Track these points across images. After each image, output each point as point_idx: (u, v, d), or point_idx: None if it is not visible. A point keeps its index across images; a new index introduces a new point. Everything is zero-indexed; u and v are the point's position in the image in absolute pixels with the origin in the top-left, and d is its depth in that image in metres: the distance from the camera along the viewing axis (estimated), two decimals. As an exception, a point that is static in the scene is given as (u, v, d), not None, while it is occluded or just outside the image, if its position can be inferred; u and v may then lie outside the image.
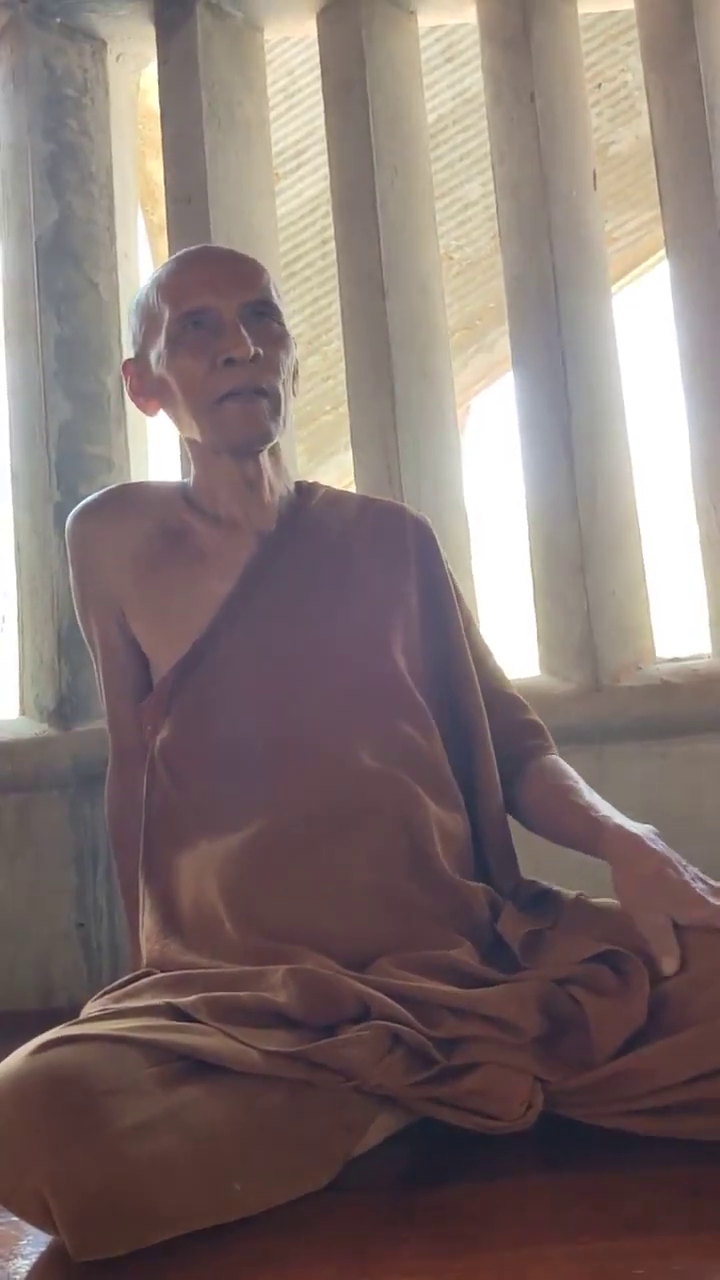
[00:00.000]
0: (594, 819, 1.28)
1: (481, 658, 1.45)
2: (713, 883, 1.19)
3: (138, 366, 1.42)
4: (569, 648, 2.05)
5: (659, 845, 1.22)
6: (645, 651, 2.06)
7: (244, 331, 1.31)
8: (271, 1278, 0.88)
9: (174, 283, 1.36)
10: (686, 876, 1.18)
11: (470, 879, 1.28)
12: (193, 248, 1.48)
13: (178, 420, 1.40)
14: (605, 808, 1.30)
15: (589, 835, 1.27)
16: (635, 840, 1.23)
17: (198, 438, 1.38)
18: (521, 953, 1.20)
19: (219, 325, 1.32)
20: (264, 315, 1.35)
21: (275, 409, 1.34)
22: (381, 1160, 1.07)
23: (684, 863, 1.20)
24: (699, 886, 1.17)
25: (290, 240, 3.78)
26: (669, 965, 1.12)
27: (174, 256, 1.44)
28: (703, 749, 1.97)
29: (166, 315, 1.34)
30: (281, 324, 1.37)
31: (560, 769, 1.40)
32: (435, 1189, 1.01)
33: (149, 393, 1.41)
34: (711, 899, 1.16)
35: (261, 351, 1.32)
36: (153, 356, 1.37)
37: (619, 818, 1.28)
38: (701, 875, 1.20)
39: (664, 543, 2.44)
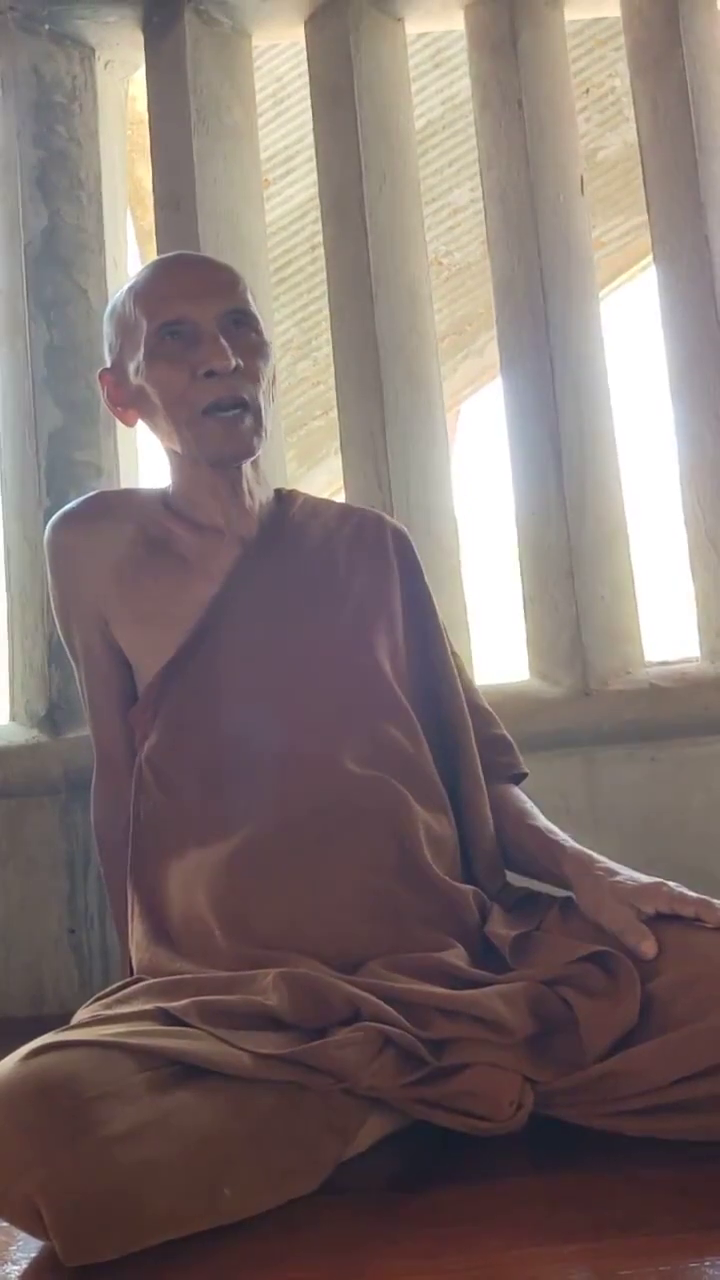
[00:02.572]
0: (553, 841, 1.33)
1: (458, 669, 1.46)
2: (671, 884, 1.22)
3: (115, 376, 1.41)
4: (558, 652, 2.05)
5: (613, 864, 1.27)
6: (634, 655, 2.07)
7: (223, 342, 1.30)
8: (262, 1281, 0.89)
9: (150, 292, 1.35)
10: (641, 877, 1.24)
11: (458, 882, 1.28)
12: (168, 255, 1.46)
13: (158, 431, 1.39)
14: (562, 834, 1.35)
15: (548, 857, 1.32)
16: (593, 858, 1.29)
17: (178, 449, 1.37)
18: (511, 954, 1.20)
19: (197, 336, 1.31)
20: (242, 324, 1.35)
21: (257, 421, 1.34)
22: (372, 1163, 1.07)
23: (636, 873, 1.26)
24: (655, 880, 1.22)
25: (280, 246, 3.79)
26: (648, 949, 1.15)
27: (149, 264, 1.42)
28: (691, 752, 1.98)
29: (144, 326, 1.33)
30: (260, 332, 1.37)
31: (519, 795, 1.44)
32: (425, 1191, 1.02)
33: (126, 403, 1.40)
34: (670, 888, 1.20)
35: (242, 363, 1.31)
36: (130, 367, 1.36)
37: (574, 843, 1.33)
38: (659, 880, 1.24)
39: (652, 547, 2.45)
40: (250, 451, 1.35)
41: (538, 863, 1.34)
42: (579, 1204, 0.96)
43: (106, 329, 1.43)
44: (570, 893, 1.29)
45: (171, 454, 1.41)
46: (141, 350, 1.34)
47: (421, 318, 2.20)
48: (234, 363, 1.30)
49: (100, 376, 1.43)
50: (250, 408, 1.32)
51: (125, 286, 1.41)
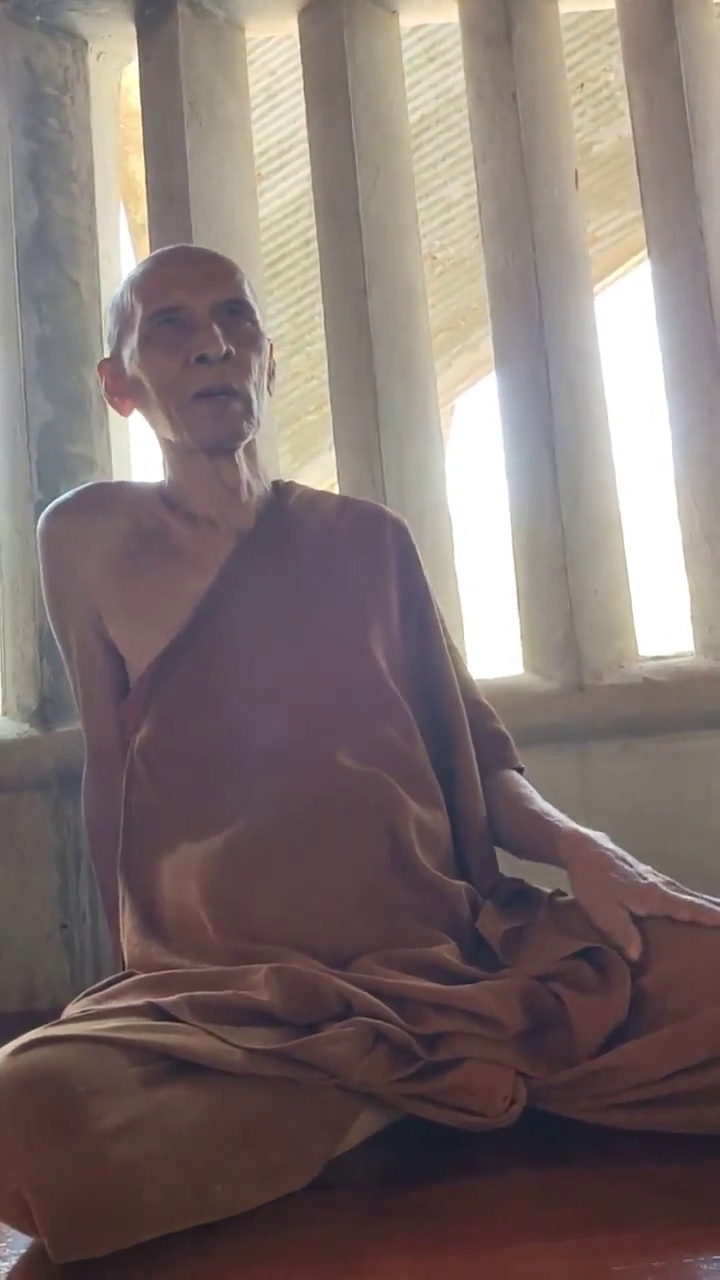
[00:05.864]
0: (549, 824, 1.32)
1: (455, 663, 1.45)
2: (661, 876, 1.22)
3: (113, 366, 1.42)
4: (552, 647, 2.05)
5: (610, 845, 1.26)
6: (628, 650, 2.07)
7: (216, 330, 1.31)
8: (254, 1277, 0.88)
9: (147, 281, 1.37)
10: (636, 871, 1.22)
11: (451, 878, 1.28)
12: (168, 247, 1.48)
13: (152, 419, 1.40)
14: (559, 815, 1.33)
15: (545, 839, 1.31)
16: (588, 841, 1.27)
17: (171, 437, 1.38)
18: (502, 950, 1.20)
19: (192, 323, 1.33)
20: (237, 314, 1.36)
21: (247, 409, 1.34)
22: (364, 1159, 1.07)
23: (633, 860, 1.24)
24: (650, 880, 1.21)
25: (273, 240, 3.78)
26: (634, 951, 1.14)
27: (149, 256, 1.44)
28: (685, 747, 1.97)
29: (140, 313, 1.35)
30: (255, 323, 1.38)
31: (518, 780, 1.42)
32: (418, 1187, 1.01)
33: (123, 392, 1.41)
34: (663, 890, 1.19)
35: (234, 350, 1.32)
36: (126, 355, 1.38)
37: (571, 823, 1.31)
38: (653, 871, 1.23)
39: (646, 541, 2.45)
40: (239, 435, 1.35)
41: (536, 847, 1.33)
42: (572, 1199, 0.96)
43: (107, 320, 1.45)
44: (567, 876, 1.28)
45: (167, 444, 1.41)
46: (136, 337, 1.35)
47: (415, 312, 2.19)
48: (225, 349, 1.31)
49: (99, 367, 1.45)
50: (239, 395, 1.33)
51: (125, 278, 1.42)
